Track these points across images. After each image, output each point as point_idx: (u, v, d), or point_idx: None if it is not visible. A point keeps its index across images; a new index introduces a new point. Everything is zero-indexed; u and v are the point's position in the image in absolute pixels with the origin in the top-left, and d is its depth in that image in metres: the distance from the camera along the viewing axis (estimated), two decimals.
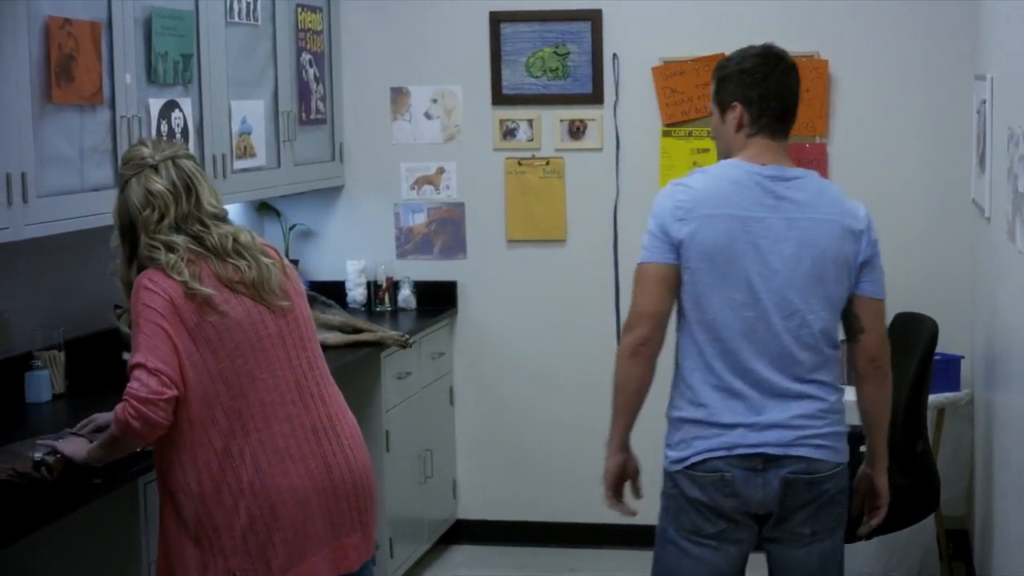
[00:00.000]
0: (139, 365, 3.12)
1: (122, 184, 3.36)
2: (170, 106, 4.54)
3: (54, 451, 3.37)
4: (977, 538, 5.23)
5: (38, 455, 3.37)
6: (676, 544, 3.46)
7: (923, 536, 5.34)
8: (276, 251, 3.48)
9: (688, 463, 3.40)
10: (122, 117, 4.21)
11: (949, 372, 5.44)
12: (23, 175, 3.74)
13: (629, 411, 3.47)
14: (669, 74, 5.89)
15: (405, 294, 6.05)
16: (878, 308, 3.52)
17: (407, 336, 5.31)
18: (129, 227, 3.32)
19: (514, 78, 5.98)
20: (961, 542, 5.66)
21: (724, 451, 3.38)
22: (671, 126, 5.89)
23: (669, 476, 3.47)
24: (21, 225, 3.76)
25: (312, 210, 6.15)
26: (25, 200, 3.75)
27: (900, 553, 5.36)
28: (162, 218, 3.28)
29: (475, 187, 6.07)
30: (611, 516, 3.65)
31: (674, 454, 3.44)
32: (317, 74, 5.79)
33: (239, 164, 5.08)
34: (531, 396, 6.10)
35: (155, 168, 3.31)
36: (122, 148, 4.06)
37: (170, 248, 3.24)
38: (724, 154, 3.54)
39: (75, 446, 3.40)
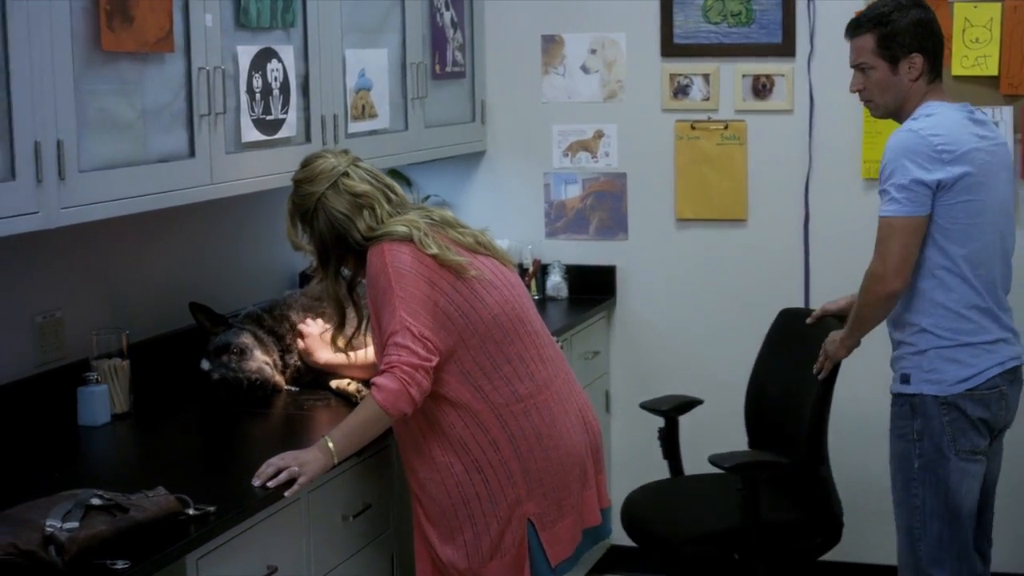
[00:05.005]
0: (405, 329, 3.23)
1: (312, 203, 3.44)
2: (265, 55, 3.94)
3: (291, 478, 3.11)
4: None
5: (52, 525, 2.56)
6: (957, 467, 3.81)
7: None
8: None
9: (972, 383, 3.79)
10: (201, 69, 3.63)
11: None
12: (59, 143, 3.09)
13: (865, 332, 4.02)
14: None
15: (555, 280, 5.73)
16: None
17: None
18: (335, 242, 3.43)
19: (688, 25, 5.59)
20: None
21: (998, 367, 3.83)
22: None
23: (942, 402, 3.80)
24: (55, 208, 3.10)
25: (448, 179, 5.87)
26: (62, 176, 3.10)
27: None
28: (374, 212, 3.42)
29: (639, 155, 5.71)
30: None
31: (951, 376, 3.79)
32: (455, 18, 5.37)
33: (356, 127, 4.55)
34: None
35: (347, 174, 3.45)
36: (199, 106, 3.66)
37: (408, 223, 3.37)
38: (893, 107, 3.90)
39: (304, 456, 3.17)
